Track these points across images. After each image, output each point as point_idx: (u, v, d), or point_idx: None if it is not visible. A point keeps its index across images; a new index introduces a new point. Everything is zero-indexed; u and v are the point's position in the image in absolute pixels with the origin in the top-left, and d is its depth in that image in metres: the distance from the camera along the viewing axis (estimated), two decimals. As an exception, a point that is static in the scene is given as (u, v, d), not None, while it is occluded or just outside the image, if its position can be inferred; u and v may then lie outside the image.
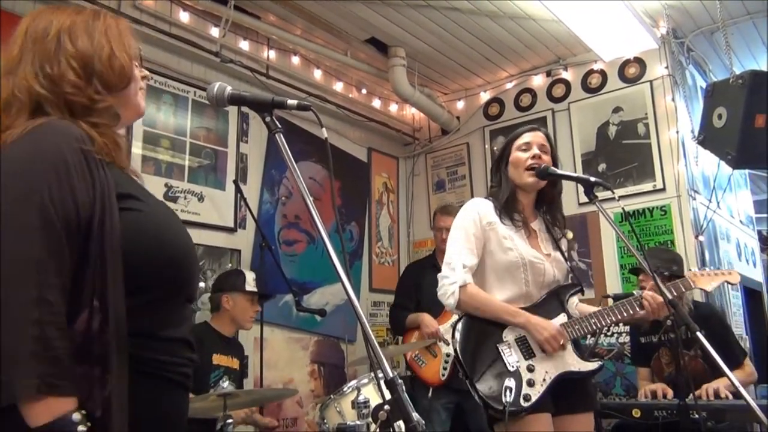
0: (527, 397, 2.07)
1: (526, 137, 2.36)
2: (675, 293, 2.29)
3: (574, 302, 2.37)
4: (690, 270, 2.46)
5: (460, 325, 2.24)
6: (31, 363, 0.97)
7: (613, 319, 2.23)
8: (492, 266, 2.28)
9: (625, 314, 2.23)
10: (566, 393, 2.15)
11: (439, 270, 3.85)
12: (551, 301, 2.28)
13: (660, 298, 2.14)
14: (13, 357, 0.97)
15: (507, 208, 2.31)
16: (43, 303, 1.00)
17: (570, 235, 3.20)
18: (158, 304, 1.17)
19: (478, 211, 2.31)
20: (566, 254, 2.38)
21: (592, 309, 2.30)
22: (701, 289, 2.47)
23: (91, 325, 1.05)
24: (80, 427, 1.00)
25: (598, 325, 2.23)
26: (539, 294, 2.28)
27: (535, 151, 2.31)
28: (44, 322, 0.99)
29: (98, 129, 1.19)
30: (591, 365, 2.21)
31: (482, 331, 2.21)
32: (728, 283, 2.49)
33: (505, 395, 2.02)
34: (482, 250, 2.28)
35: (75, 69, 1.20)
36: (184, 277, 1.23)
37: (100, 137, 1.17)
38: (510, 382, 2.06)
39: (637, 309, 2.22)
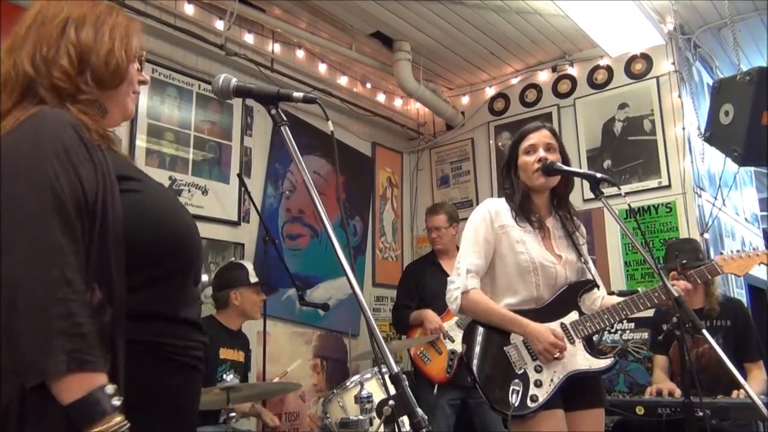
0: (534, 398, 2.07)
1: (531, 138, 2.32)
2: (700, 280, 2.36)
3: (593, 298, 2.34)
4: (721, 253, 2.42)
5: (467, 331, 2.28)
6: (59, 340, 0.98)
7: (627, 312, 2.22)
8: (502, 269, 2.27)
9: (643, 306, 2.23)
10: (577, 389, 2.15)
11: (440, 267, 3.93)
12: (563, 301, 2.26)
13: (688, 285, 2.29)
14: (41, 336, 0.98)
15: (523, 211, 2.30)
16: (66, 281, 1.01)
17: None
18: (169, 284, 1.18)
19: (490, 213, 2.30)
20: (581, 249, 2.35)
21: (617, 300, 2.28)
22: (733, 273, 2.42)
23: (93, 307, 1.06)
24: (114, 400, 1.00)
25: (611, 320, 2.22)
26: (550, 296, 2.26)
27: (541, 153, 2.27)
28: (69, 300, 1.00)
29: (88, 116, 1.20)
30: (602, 362, 2.19)
31: (489, 334, 2.23)
32: (763, 263, 2.43)
33: (511, 398, 2.03)
34: (492, 253, 2.27)
35: (70, 56, 1.21)
36: (189, 255, 1.24)
37: (92, 123, 1.19)
38: (517, 385, 2.06)
39: (648, 304, 2.22)
